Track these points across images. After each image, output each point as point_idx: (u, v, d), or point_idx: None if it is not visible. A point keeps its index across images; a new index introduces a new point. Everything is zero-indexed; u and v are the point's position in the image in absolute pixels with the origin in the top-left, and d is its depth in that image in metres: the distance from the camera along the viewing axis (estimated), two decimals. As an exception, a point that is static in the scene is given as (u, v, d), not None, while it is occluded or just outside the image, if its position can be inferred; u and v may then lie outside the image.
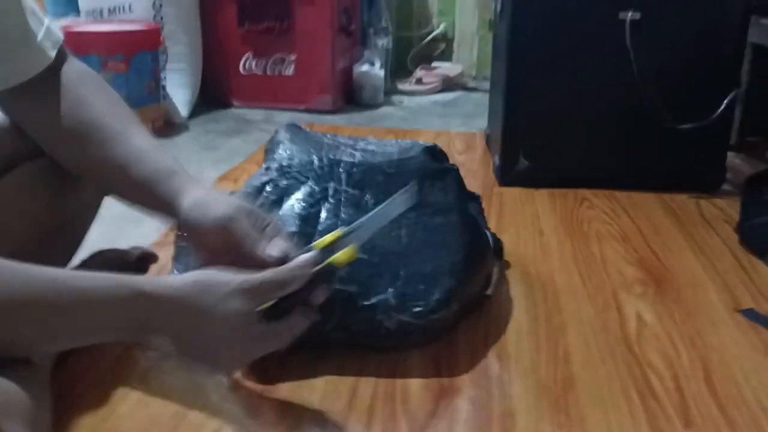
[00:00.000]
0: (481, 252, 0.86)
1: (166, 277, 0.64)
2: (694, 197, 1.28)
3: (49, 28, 0.69)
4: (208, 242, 0.66)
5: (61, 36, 0.71)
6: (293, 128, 0.92)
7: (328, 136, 0.92)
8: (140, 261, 0.90)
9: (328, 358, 0.76)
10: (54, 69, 0.69)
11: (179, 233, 0.88)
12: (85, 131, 0.69)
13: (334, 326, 0.74)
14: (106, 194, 0.77)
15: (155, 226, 1.14)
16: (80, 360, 0.74)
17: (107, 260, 0.86)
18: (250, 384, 0.72)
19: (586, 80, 1.29)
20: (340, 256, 0.63)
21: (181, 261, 0.84)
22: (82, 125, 0.69)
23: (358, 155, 0.86)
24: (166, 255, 0.93)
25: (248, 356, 0.64)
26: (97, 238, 0.85)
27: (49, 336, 0.56)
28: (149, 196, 0.68)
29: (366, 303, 0.75)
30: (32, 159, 0.71)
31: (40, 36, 0.67)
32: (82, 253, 0.83)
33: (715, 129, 1.27)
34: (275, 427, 0.65)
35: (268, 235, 0.66)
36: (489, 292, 0.90)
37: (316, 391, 0.71)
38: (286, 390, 0.71)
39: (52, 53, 0.68)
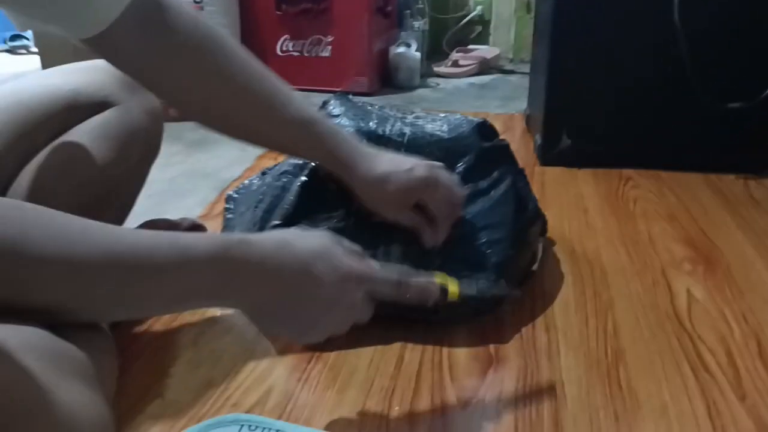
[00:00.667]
0: (525, 229, 0.85)
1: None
2: (741, 178, 1.25)
3: None
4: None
5: None
6: (343, 99, 0.92)
7: (377, 106, 0.92)
8: (192, 229, 0.91)
9: (373, 326, 0.76)
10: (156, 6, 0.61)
11: (228, 206, 0.89)
12: (222, 63, 0.64)
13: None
14: (244, 139, 0.71)
15: (199, 199, 1.16)
16: (135, 322, 0.76)
17: (157, 229, 0.87)
18: (298, 349, 0.72)
19: (631, 57, 1.26)
20: (452, 288, 0.65)
21: (228, 232, 0.85)
22: (216, 57, 0.64)
23: (408, 130, 0.85)
24: (211, 226, 0.94)
25: (341, 326, 0.59)
26: (142, 210, 0.86)
27: (127, 302, 0.49)
28: (307, 143, 0.69)
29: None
30: (90, 113, 0.71)
31: None
32: (132, 222, 0.85)
33: (762, 109, 1.23)
34: (323, 392, 0.66)
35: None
36: (535, 267, 0.89)
37: (363, 358, 0.71)
38: (333, 357, 0.71)
39: None
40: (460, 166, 0.82)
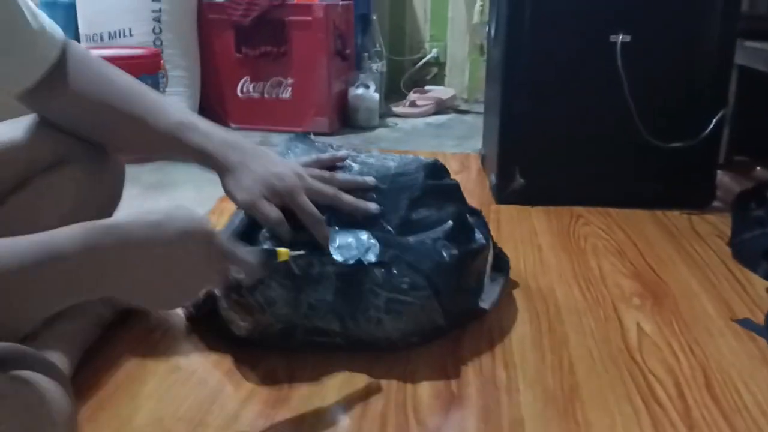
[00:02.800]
0: (471, 252, 0.86)
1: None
2: (685, 213, 1.32)
3: (51, 22, 0.73)
4: None
5: (60, 30, 0.75)
6: (299, 138, 0.94)
7: (334, 145, 0.94)
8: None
9: (336, 364, 0.78)
10: (64, 54, 0.73)
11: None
12: (110, 96, 0.75)
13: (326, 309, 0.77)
14: (133, 152, 0.81)
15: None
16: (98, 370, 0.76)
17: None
18: (263, 395, 0.73)
19: (578, 101, 1.33)
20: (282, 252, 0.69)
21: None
22: (106, 93, 0.75)
23: (356, 167, 0.87)
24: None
25: (206, 280, 0.62)
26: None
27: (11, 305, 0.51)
28: (180, 145, 0.75)
29: (355, 277, 0.77)
30: (49, 169, 0.73)
31: (46, 32, 0.71)
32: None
33: (704, 148, 1.31)
34: (290, 436, 0.67)
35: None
36: (485, 305, 0.90)
37: (327, 400, 0.72)
38: (297, 400, 0.72)
39: (60, 42, 0.73)
40: (404, 200, 0.84)
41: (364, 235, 0.79)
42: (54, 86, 0.72)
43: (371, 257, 0.78)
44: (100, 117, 0.75)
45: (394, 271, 0.78)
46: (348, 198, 0.80)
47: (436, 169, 0.92)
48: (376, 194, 0.84)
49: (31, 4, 0.71)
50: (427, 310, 0.79)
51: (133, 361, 0.79)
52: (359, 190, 0.82)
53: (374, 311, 0.77)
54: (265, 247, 0.75)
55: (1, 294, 0.49)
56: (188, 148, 0.75)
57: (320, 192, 0.78)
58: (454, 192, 0.92)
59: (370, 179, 0.84)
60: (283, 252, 0.69)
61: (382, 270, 0.77)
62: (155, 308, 0.65)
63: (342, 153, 0.88)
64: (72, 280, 0.52)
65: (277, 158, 0.80)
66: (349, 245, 0.78)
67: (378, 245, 0.79)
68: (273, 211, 0.75)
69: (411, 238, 0.81)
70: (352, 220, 0.80)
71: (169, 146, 0.76)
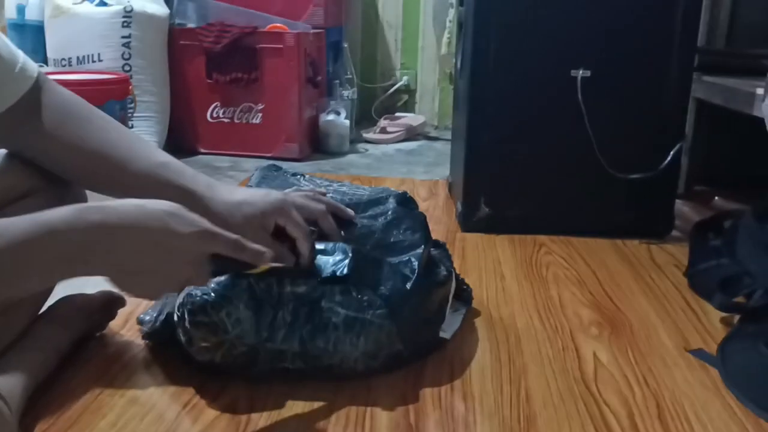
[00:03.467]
0: (433, 283, 0.88)
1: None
2: (645, 243, 1.35)
3: (26, 58, 0.73)
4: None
5: (35, 66, 0.75)
6: (270, 169, 0.95)
7: (307, 177, 0.96)
8: (109, 305, 0.91)
9: (297, 396, 0.78)
10: (36, 91, 0.73)
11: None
12: (86, 135, 0.75)
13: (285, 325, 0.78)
14: (108, 194, 0.79)
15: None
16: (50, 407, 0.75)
17: (74, 305, 0.87)
18: (222, 426, 0.73)
19: (542, 133, 1.36)
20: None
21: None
22: (82, 131, 0.75)
23: (330, 196, 0.89)
24: (133, 299, 0.94)
25: (185, 281, 0.65)
26: (64, 283, 0.85)
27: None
28: (159, 185, 0.75)
29: (314, 295, 0.78)
30: (15, 201, 0.73)
31: (17, 67, 0.71)
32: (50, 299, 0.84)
33: (663, 179, 1.35)
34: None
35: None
36: (446, 335, 0.92)
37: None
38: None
39: (32, 78, 0.72)
40: (379, 224, 0.87)
41: (338, 251, 0.81)
42: (22, 120, 0.72)
43: (344, 270, 0.79)
44: (74, 156, 0.75)
45: (353, 292, 0.79)
46: (331, 221, 0.83)
47: (406, 200, 0.95)
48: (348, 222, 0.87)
49: (4, 38, 0.71)
50: (385, 330, 0.80)
51: (91, 393, 0.78)
52: (339, 218, 0.85)
53: (332, 330, 0.78)
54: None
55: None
56: (170, 186, 0.76)
57: (308, 207, 0.81)
58: (421, 222, 0.94)
59: (351, 212, 0.87)
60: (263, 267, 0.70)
61: (341, 289, 0.79)
62: (138, 294, 0.66)
63: (320, 189, 0.89)
64: (62, 255, 0.56)
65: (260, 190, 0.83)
66: (324, 260, 0.80)
67: (350, 260, 0.80)
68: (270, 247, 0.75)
69: (386, 258, 0.84)
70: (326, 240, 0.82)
71: (147, 187, 0.75)
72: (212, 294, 0.76)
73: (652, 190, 1.36)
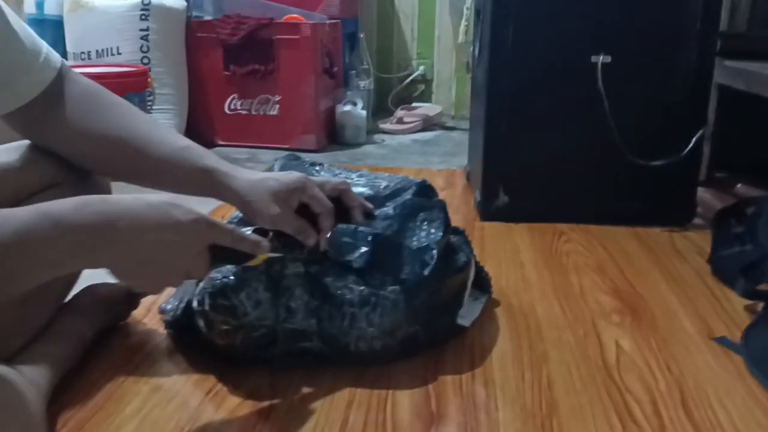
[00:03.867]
0: (450, 269, 0.88)
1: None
2: (666, 231, 1.34)
3: (50, 49, 0.74)
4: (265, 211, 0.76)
5: (59, 56, 0.75)
6: (290, 159, 0.96)
7: (326, 167, 0.96)
8: (131, 297, 0.92)
9: (319, 383, 0.78)
10: (59, 81, 0.73)
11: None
12: (108, 122, 0.75)
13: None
14: (132, 180, 0.80)
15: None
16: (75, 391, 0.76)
17: (97, 296, 0.88)
18: (244, 413, 0.73)
19: (561, 120, 1.35)
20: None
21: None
22: (104, 119, 0.76)
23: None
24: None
25: (183, 273, 0.66)
26: (85, 274, 0.87)
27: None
28: (182, 168, 0.76)
29: (329, 274, 0.80)
30: (39, 193, 0.74)
31: (42, 57, 0.71)
32: (75, 287, 0.85)
33: (684, 166, 1.33)
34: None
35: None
36: (465, 322, 0.91)
37: (308, 419, 0.73)
38: (277, 421, 0.73)
39: (55, 69, 0.73)
40: (397, 214, 0.87)
41: (359, 239, 0.82)
42: (46, 110, 0.73)
43: (361, 263, 0.80)
44: (97, 144, 0.76)
45: (369, 274, 0.80)
46: (354, 195, 0.85)
47: (425, 189, 0.94)
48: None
49: (27, 28, 0.72)
50: (401, 308, 0.80)
51: (114, 381, 0.79)
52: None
53: (348, 306, 0.79)
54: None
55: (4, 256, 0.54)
56: (193, 168, 0.76)
57: (331, 181, 0.83)
58: (440, 211, 0.94)
59: (371, 206, 0.87)
60: (260, 258, 0.71)
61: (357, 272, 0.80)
62: (139, 286, 0.68)
63: (340, 180, 0.89)
64: (66, 245, 0.57)
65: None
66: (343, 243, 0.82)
67: (368, 252, 0.81)
68: (295, 221, 0.79)
69: (405, 243, 0.84)
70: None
71: (169, 171, 0.77)
72: (232, 277, 0.77)
73: (674, 177, 1.34)
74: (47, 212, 0.57)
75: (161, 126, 0.82)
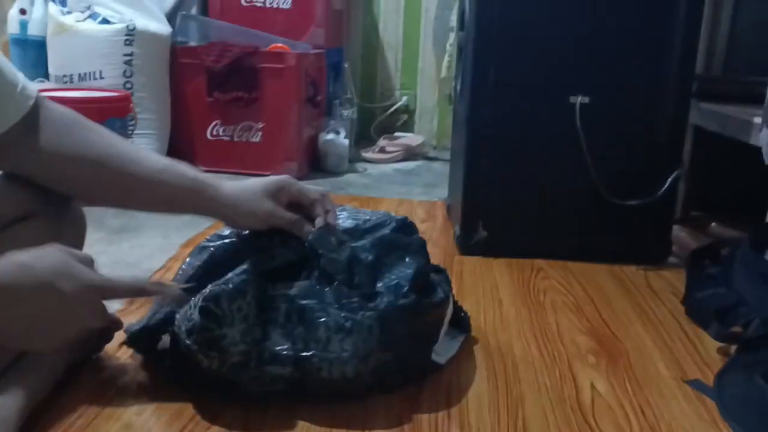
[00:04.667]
0: (428, 304, 0.88)
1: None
2: (642, 269, 1.35)
3: (26, 80, 0.74)
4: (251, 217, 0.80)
5: (35, 87, 0.76)
6: None
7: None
8: (104, 328, 0.91)
9: (293, 421, 0.77)
10: (35, 110, 0.74)
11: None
12: (87, 148, 0.75)
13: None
14: (112, 202, 0.82)
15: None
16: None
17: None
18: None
19: (541, 157, 1.37)
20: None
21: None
22: (83, 145, 0.75)
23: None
24: (130, 320, 0.94)
25: (78, 330, 0.66)
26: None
27: None
28: (164, 185, 0.77)
29: (307, 296, 0.81)
30: (13, 224, 0.73)
31: (19, 87, 0.71)
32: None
33: (660, 205, 1.35)
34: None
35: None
36: (441, 359, 0.91)
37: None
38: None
39: (32, 98, 0.73)
40: (371, 246, 0.87)
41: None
42: (23, 138, 0.73)
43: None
44: (76, 166, 0.76)
45: (345, 297, 0.81)
46: (330, 202, 0.87)
47: (406, 226, 0.95)
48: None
49: (4, 59, 0.72)
50: (375, 334, 0.80)
51: (85, 417, 0.78)
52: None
53: (324, 330, 0.79)
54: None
55: None
56: (175, 184, 0.77)
57: (307, 188, 0.85)
58: (420, 249, 0.94)
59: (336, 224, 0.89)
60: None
61: (334, 290, 0.81)
62: (30, 350, 0.67)
63: (321, 190, 0.90)
64: None
65: None
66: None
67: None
68: (288, 214, 0.82)
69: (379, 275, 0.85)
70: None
71: (152, 190, 0.77)
72: (230, 285, 0.77)
73: (649, 216, 1.37)
74: None
75: (140, 147, 0.82)
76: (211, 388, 0.80)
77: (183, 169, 0.79)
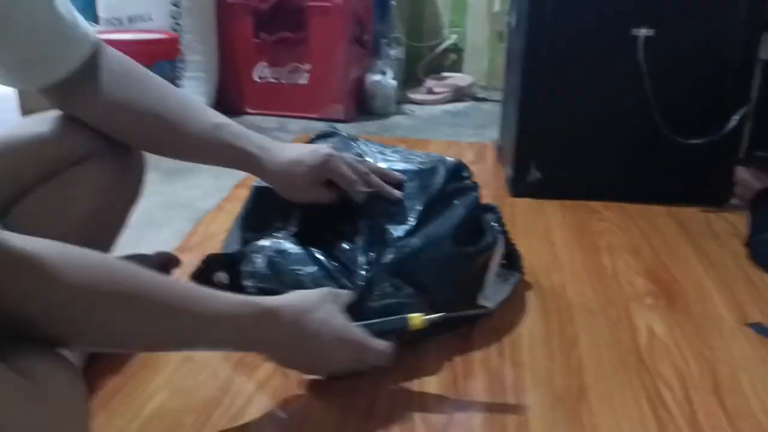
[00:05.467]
0: (473, 252, 0.87)
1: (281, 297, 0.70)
2: (703, 211, 1.30)
3: (86, 24, 0.73)
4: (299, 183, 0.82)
5: (94, 31, 0.75)
6: (327, 133, 0.96)
7: (362, 141, 0.95)
8: (164, 265, 0.93)
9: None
10: (95, 56, 0.73)
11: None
12: (142, 98, 0.75)
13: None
14: (166, 154, 0.82)
15: (175, 231, 1.17)
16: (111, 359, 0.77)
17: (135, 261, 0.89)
18: (271, 388, 0.74)
19: (598, 95, 1.31)
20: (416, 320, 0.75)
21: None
22: (138, 94, 0.75)
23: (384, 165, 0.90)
24: (187, 259, 0.96)
25: (345, 364, 0.74)
26: (119, 243, 0.87)
27: (165, 339, 0.61)
28: (214, 146, 0.78)
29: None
30: (75, 164, 0.74)
31: (79, 32, 0.71)
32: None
33: (724, 144, 1.29)
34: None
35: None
36: (490, 304, 0.90)
37: (335, 397, 0.73)
38: (305, 396, 0.73)
39: (92, 43, 0.72)
40: (424, 196, 0.86)
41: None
42: (83, 84, 0.72)
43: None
44: (133, 118, 0.76)
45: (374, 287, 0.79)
46: (375, 179, 0.86)
47: (459, 170, 0.93)
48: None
49: (69, 4, 0.71)
50: (419, 306, 0.78)
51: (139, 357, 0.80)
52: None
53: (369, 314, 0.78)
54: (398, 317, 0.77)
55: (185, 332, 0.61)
56: (224, 147, 0.79)
57: (354, 164, 0.84)
58: (471, 192, 0.92)
59: (400, 176, 0.88)
60: (417, 319, 0.75)
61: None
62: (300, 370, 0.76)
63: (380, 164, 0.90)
64: (231, 344, 0.67)
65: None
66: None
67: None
68: (328, 195, 0.84)
69: (416, 239, 0.82)
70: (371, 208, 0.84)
71: (204, 147, 0.78)
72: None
73: (712, 155, 1.31)
74: (264, 308, 0.66)
75: (195, 102, 0.82)
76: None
77: (233, 132, 0.80)
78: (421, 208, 0.84)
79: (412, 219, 0.83)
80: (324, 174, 0.82)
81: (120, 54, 0.77)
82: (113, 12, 1.91)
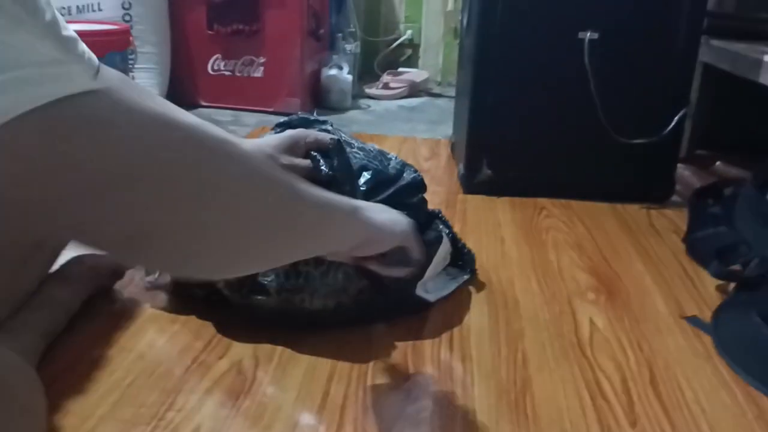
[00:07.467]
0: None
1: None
2: (645, 208, 1.36)
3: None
4: None
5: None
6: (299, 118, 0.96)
7: (334, 126, 0.95)
8: (116, 265, 0.92)
9: (301, 354, 0.80)
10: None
11: None
12: None
13: None
14: None
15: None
16: (63, 355, 0.77)
17: (84, 266, 0.88)
18: (225, 386, 0.75)
19: (546, 95, 1.35)
20: None
21: None
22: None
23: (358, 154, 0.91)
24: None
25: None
26: (73, 244, 0.87)
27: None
28: None
29: None
30: None
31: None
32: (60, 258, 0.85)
33: (665, 144, 1.34)
34: (251, 429, 0.69)
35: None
36: (431, 298, 0.93)
37: (289, 393, 0.75)
38: (259, 392, 0.74)
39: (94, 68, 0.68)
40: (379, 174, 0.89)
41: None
42: None
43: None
44: None
45: None
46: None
47: (416, 186, 0.95)
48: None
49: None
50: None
51: (99, 350, 0.80)
52: None
53: (303, 264, 0.82)
54: None
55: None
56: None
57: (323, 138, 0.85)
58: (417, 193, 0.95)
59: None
60: None
61: None
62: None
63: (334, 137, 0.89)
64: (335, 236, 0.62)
65: None
66: None
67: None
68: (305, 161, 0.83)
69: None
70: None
71: None
72: None
73: (654, 154, 1.36)
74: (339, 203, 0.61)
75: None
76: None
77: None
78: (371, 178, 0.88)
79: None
80: (301, 141, 0.83)
81: (120, 75, 0.76)
82: (61, 1, 1.86)
